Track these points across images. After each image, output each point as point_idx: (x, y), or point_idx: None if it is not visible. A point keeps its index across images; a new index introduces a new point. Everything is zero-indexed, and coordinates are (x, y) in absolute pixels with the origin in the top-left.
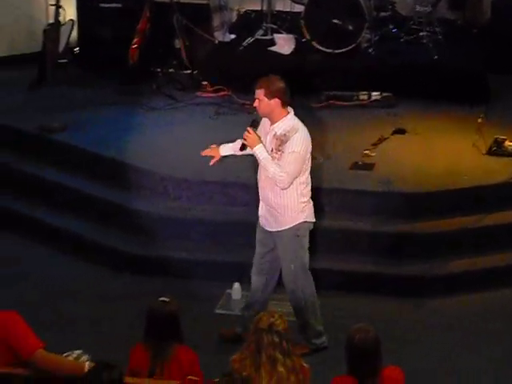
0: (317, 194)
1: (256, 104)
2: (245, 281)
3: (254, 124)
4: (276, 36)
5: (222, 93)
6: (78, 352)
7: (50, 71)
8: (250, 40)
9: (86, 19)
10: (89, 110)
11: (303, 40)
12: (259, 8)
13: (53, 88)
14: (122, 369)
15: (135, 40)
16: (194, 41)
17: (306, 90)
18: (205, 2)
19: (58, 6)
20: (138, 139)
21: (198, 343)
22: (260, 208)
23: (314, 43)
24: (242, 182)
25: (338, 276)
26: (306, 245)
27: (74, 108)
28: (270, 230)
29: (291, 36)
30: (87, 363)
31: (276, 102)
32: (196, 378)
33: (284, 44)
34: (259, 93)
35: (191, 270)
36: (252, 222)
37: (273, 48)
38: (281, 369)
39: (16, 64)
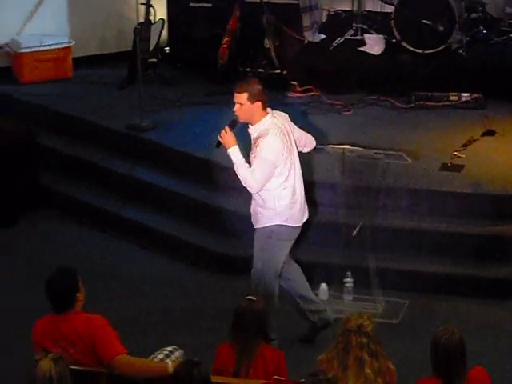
0: (404, 195)
1: (237, 108)
2: (332, 282)
3: (233, 124)
4: (366, 36)
5: (311, 93)
6: (169, 348)
7: (139, 70)
8: (339, 40)
9: (176, 18)
10: (178, 109)
11: (393, 40)
12: (349, 8)
13: (142, 87)
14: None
15: (225, 40)
16: (284, 41)
17: (395, 91)
18: (295, 1)
19: (148, 5)
20: None
21: (284, 342)
22: (251, 205)
23: (404, 44)
24: (330, 182)
25: (425, 278)
26: (281, 249)
27: (164, 107)
28: (254, 226)
29: (381, 36)
30: (170, 363)
31: (257, 105)
32: (282, 378)
33: (374, 44)
34: (241, 97)
35: None
36: (339, 223)
37: (363, 48)
38: (368, 370)
39: (106, 63)
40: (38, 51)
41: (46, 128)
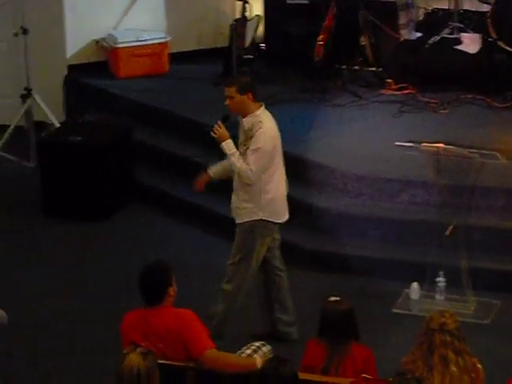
0: (499, 195)
1: (228, 102)
2: (424, 281)
3: (225, 118)
4: (462, 35)
5: (407, 91)
6: (257, 344)
7: (235, 66)
8: (435, 38)
9: (272, 15)
10: (273, 106)
11: (489, 39)
12: (446, 6)
13: None
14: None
15: (321, 37)
16: (380, 38)
17: (491, 90)
18: None
19: (245, 2)
20: (321, 136)
21: (373, 341)
22: (232, 199)
23: (500, 43)
24: (424, 180)
25: (503, 277)
26: (262, 246)
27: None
28: (236, 221)
29: (477, 35)
30: (258, 358)
31: (248, 96)
32: (370, 376)
33: (470, 43)
34: (231, 90)
35: (370, 268)
36: (432, 222)
37: (459, 47)
38: (453, 368)
39: (202, 58)
40: (134, 46)
41: (141, 123)
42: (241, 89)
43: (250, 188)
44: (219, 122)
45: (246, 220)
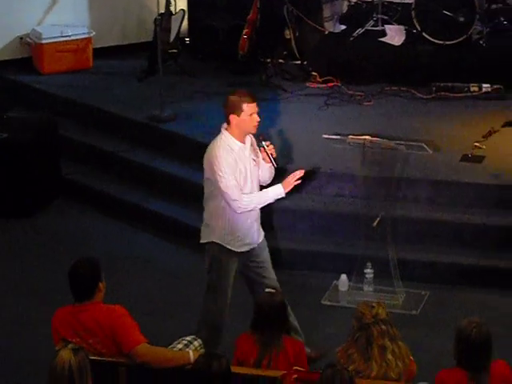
0: (425, 186)
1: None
2: (352, 273)
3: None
4: (387, 27)
5: (332, 83)
6: (188, 338)
7: (160, 61)
8: (360, 31)
9: (196, 9)
10: (198, 101)
11: (414, 31)
12: None
13: (163, 78)
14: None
15: (245, 31)
16: (304, 31)
17: (416, 82)
18: None
19: None
20: None
21: (303, 333)
22: (250, 228)
23: (425, 34)
24: (351, 173)
25: (445, 269)
26: None
27: (184, 98)
28: (259, 241)
29: (402, 27)
30: (191, 353)
31: None
32: (302, 369)
33: (394, 35)
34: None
35: (299, 261)
36: (359, 214)
37: (383, 39)
38: (389, 356)
39: (127, 53)
40: (58, 42)
41: (66, 119)
42: None
43: None
44: (268, 143)
45: None
